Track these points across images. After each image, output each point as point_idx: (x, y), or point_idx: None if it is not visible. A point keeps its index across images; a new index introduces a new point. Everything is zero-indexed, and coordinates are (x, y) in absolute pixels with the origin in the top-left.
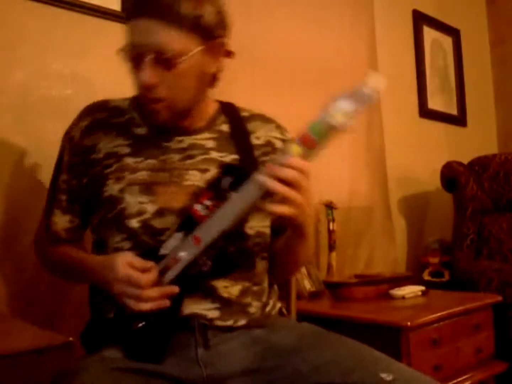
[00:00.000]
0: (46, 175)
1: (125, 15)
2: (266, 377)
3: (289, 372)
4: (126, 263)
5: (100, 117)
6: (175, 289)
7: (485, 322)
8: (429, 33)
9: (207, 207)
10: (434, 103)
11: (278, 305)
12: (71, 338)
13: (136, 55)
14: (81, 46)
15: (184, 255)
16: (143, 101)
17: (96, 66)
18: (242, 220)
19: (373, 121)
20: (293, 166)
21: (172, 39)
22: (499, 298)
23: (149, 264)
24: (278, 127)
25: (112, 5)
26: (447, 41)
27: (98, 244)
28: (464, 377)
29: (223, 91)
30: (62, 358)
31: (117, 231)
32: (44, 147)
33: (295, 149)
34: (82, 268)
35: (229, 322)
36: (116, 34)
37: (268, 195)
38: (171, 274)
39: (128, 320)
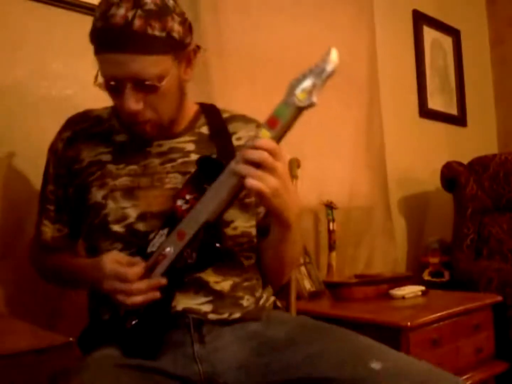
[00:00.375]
0: None
1: (94, 48)
2: (261, 371)
3: (284, 365)
4: (112, 259)
5: (80, 128)
6: (163, 280)
7: (485, 322)
8: (429, 33)
9: (187, 201)
10: (434, 103)
11: (272, 298)
12: (71, 338)
13: (114, 85)
14: (81, 46)
15: (170, 250)
16: (129, 124)
17: (96, 66)
18: (223, 210)
19: (373, 121)
20: (261, 146)
21: (148, 65)
22: (499, 298)
23: (135, 259)
24: (259, 125)
25: None
26: (447, 41)
27: (90, 250)
28: (464, 377)
29: (223, 92)
30: (62, 358)
31: (104, 236)
32: (44, 147)
33: (264, 133)
34: (73, 271)
35: (224, 316)
36: None
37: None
38: (159, 270)
39: (122, 319)
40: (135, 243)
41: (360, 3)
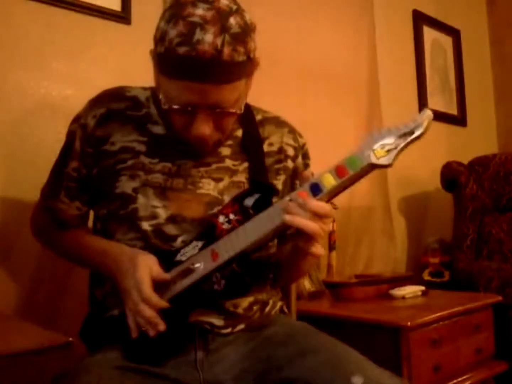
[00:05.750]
0: (45, 176)
1: (170, 72)
2: (255, 376)
3: (272, 365)
4: (148, 267)
5: (116, 107)
6: (162, 325)
7: (485, 322)
8: (429, 33)
9: (230, 221)
10: (434, 103)
11: (279, 304)
12: (71, 338)
13: (187, 110)
14: (81, 46)
15: (200, 266)
16: (189, 141)
17: (96, 66)
18: (263, 244)
19: (373, 121)
20: (318, 213)
21: (229, 93)
22: (499, 298)
23: (167, 276)
24: (291, 131)
25: (112, 5)
26: (447, 41)
27: (103, 234)
28: (464, 377)
29: None
30: (62, 358)
31: (128, 229)
32: (44, 147)
33: (328, 178)
34: (94, 249)
35: (229, 329)
36: (116, 34)
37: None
38: (183, 283)
39: None
40: (157, 246)
41: (360, 3)
